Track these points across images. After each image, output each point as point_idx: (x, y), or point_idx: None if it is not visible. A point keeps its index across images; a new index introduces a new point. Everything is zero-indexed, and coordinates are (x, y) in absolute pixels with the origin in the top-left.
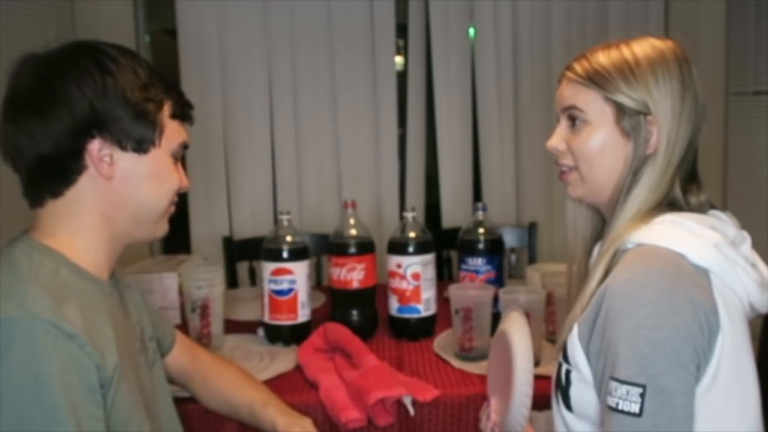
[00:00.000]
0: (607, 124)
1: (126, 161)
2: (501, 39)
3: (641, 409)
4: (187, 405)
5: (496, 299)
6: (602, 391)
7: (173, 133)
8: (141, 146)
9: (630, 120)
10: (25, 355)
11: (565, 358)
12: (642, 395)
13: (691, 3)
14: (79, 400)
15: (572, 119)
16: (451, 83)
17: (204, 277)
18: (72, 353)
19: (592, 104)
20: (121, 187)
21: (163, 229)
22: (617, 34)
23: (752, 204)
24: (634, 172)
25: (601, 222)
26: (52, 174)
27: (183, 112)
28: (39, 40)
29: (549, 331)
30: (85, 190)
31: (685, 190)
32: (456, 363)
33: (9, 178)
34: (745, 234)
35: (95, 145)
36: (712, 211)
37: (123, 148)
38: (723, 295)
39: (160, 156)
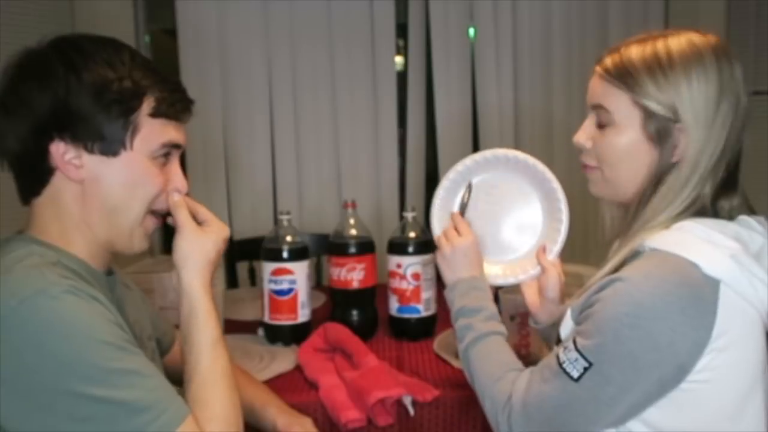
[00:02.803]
0: (633, 128)
1: (94, 164)
2: (501, 39)
3: (579, 377)
4: None
5: (496, 299)
6: (568, 337)
7: (152, 133)
8: (109, 148)
9: (658, 125)
10: (70, 315)
11: (559, 341)
12: (585, 369)
13: (691, 3)
14: (127, 338)
15: (598, 118)
16: (451, 83)
17: None
18: (99, 308)
19: (621, 105)
20: (93, 191)
21: (140, 243)
22: (617, 34)
23: (752, 204)
24: (657, 180)
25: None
26: (25, 173)
27: (170, 110)
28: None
29: None
30: (60, 191)
31: (718, 194)
32: (456, 363)
33: (9, 178)
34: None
35: (58, 147)
36: (742, 217)
37: (89, 150)
38: (734, 307)
39: (132, 158)
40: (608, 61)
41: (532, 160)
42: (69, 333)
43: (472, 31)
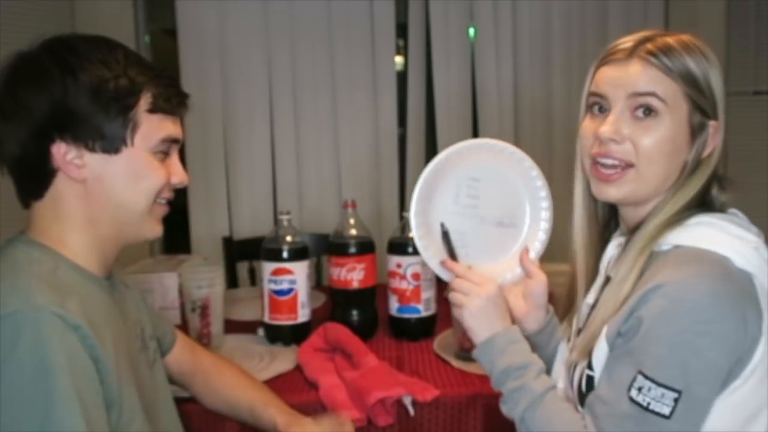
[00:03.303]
0: (680, 122)
1: (96, 162)
2: (501, 39)
3: (672, 412)
4: (187, 405)
5: None
6: (617, 373)
7: (151, 128)
8: (110, 146)
9: (698, 121)
10: (34, 346)
11: (590, 366)
12: (676, 400)
13: (691, 3)
14: (85, 389)
15: (641, 108)
16: (451, 83)
17: (204, 277)
18: (76, 343)
19: (675, 97)
20: (97, 189)
21: (151, 230)
22: (617, 34)
23: (752, 204)
24: (686, 176)
25: (606, 217)
26: (26, 176)
27: (167, 104)
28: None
29: None
30: (63, 192)
31: (722, 188)
32: (456, 363)
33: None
34: (759, 232)
35: (60, 148)
36: (732, 210)
37: (90, 149)
38: (766, 298)
39: (134, 154)
40: (657, 51)
41: (520, 153)
42: (26, 364)
43: (472, 31)
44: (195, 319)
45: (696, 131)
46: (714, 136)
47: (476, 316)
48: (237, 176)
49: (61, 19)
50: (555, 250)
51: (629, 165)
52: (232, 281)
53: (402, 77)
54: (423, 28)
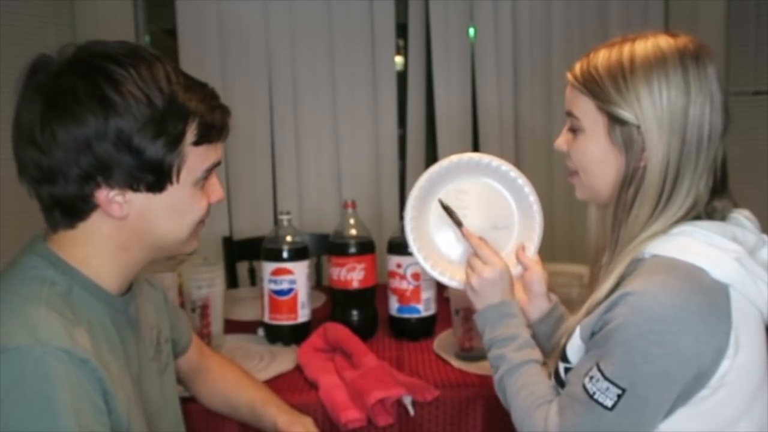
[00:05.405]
0: (599, 135)
1: (140, 200)
2: (501, 39)
3: (614, 405)
4: (187, 405)
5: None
6: (583, 362)
7: (197, 161)
8: (155, 186)
9: (622, 131)
10: (38, 383)
11: (564, 358)
12: (619, 396)
13: (691, 3)
14: (89, 423)
15: (571, 124)
16: (451, 83)
17: (204, 277)
18: (82, 378)
19: (587, 112)
20: (137, 223)
21: (190, 247)
22: (617, 34)
23: (752, 204)
24: (630, 185)
25: None
26: (61, 210)
27: (212, 133)
28: (39, 40)
29: None
30: (98, 224)
31: (712, 197)
32: (456, 363)
33: (10, 178)
34: (765, 238)
35: (102, 192)
36: (734, 215)
37: (135, 189)
38: (742, 310)
39: (179, 190)
40: (577, 68)
41: (496, 161)
42: (28, 401)
43: (472, 31)
44: (195, 319)
45: (622, 143)
46: (647, 144)
47: (475, 292)
48: (237, 176)
49: (61, 19)
50: (556, 251)
51: (575, 172)
52: (232, 281)
53: (402, 77)
54: (423, 28)
